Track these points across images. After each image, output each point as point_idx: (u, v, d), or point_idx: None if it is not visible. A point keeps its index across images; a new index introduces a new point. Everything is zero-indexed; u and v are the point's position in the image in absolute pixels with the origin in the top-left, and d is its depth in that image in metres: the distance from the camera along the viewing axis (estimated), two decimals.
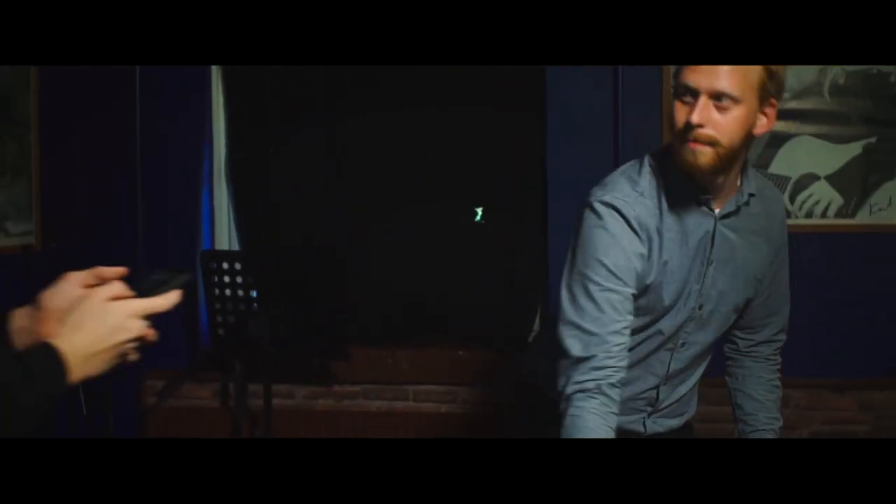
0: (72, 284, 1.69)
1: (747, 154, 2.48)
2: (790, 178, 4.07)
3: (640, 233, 2.43)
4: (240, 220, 4.77)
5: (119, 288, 1.64)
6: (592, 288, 2.40)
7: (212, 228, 4.72)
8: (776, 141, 4.03)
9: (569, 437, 2.34)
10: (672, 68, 2.59)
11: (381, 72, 4.31)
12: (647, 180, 2.47)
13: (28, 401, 1.51)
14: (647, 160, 2.51)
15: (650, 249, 2.45)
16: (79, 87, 4.28)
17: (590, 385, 2.36)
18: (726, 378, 2.78)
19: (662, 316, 2.52)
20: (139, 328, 1.62)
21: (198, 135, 4.66)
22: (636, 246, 2.43)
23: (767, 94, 2.36)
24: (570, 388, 2.37)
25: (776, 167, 4.06)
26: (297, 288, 3.95)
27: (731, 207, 2.49)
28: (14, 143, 3.94)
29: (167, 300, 1.66)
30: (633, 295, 2.43)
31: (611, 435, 2.35)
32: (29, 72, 4.01)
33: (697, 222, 2.48)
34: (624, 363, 2.40)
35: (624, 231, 2.42)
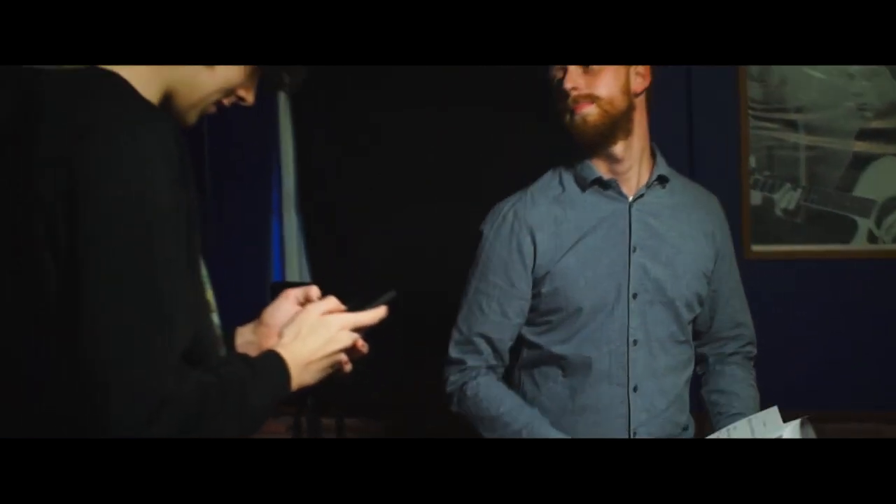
0: (290, 301, 1.90)
1: (649, 135, 2.60)
2: (875, 201, 3.90)
3: (519, 231, 2.58)
4: (310, 251, 4.69)
5: (333, 303, 1.81)
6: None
7: (282, 259, 4.65)
8: (859, 162, 3.87)
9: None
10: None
11: (451, 97, 4.23)
12: (548, 177, 2.65)
13: (257, 401, 1.63)
14: (561, 167, 2.65)
15: (540, 242, 2.56)
16: None
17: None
18: (700, 391, 2.76)
19: (588, 305, 2.54)
20: (349, 339, 1.78)
21: (266, 164, 4.61)
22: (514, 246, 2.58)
23: None
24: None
25: (860, 190, 3.89)
26: None
27: (642, 190, 2.58)
28: None
29: (375, 314, 1.82)
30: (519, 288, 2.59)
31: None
32: None
33: (610, 208, 2.57)
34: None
35: (499, 233, 2.60)
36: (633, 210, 2.58)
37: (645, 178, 2.60)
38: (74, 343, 1.48)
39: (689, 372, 2.68)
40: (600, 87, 2.48)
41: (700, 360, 2.76)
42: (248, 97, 1.80)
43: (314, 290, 1.90)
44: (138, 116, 1.54)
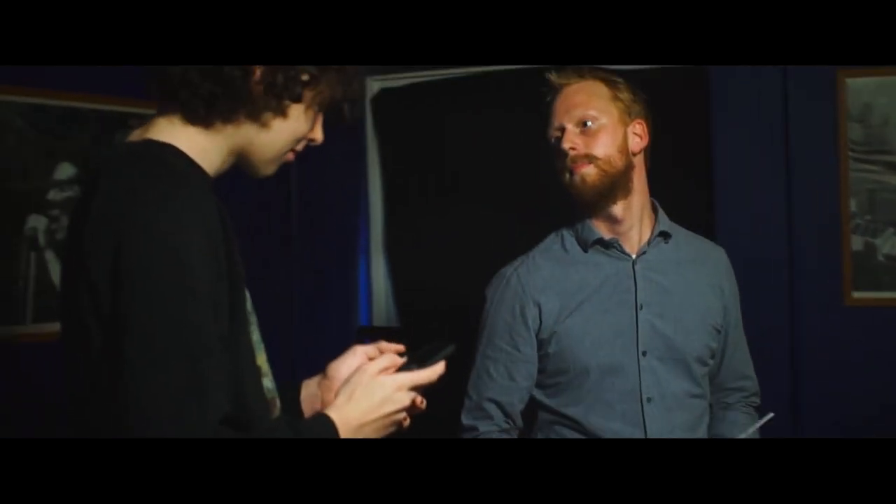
0: (357, 357, 1.88)
1: (649, 193, 2.63)
2: None
3: (522, 294, 2.59)
4: (398, 295, 4.66)
5: (389, 360, 1.78)
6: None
7: (369, 303, 4.63)
8: None
9: None
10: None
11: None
12: (549, 240, 2.68)
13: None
14: (563, 229, 2.68)
15: (544, 303, 2.56)
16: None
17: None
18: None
19: (595, 365, 2.53)
20: (407, 399, 1.74)
21: (353, 206, 4.59)
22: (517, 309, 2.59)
23: (629, 114, 2.58)
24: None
25: None
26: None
27: (645, 247, 2.60)
28: None
29: (433, 372, 1.78)
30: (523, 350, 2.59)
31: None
32: None
33: (613, 267, 2.59)
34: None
35: (503, 298, 2.62)
36: (636, 267, 2.60)
37: (647, 235, 2.62)
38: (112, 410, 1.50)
39: (704, 425, 2.66)
40: (598, 146, 2.53)
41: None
42: (317, 136, 1.82)
43: (386, 346, 1.89)
44: (172, 192, 1.56)
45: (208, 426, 1.51)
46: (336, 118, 1.83)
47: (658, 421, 2.54)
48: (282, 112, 1.71)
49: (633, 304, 2.57)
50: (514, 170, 4.20)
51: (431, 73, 4.45)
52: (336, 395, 1.75)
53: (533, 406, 2.65)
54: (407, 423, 1.77)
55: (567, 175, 2.55)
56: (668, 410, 2.55)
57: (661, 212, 2.66)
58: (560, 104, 2.59)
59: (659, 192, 2.70)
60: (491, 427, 2.62)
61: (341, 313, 4.49)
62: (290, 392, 1.91)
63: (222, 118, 1.68)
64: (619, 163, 2.53)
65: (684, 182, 4.08)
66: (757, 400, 2.80)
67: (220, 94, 1.65)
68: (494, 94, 4.25)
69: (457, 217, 4.41)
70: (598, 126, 2.54)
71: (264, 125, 1.71)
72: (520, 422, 2.65)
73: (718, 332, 2.66)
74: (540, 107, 2.64)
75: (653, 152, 2.65)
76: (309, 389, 1.93)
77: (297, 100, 1.71)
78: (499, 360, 2.62)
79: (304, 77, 1.70)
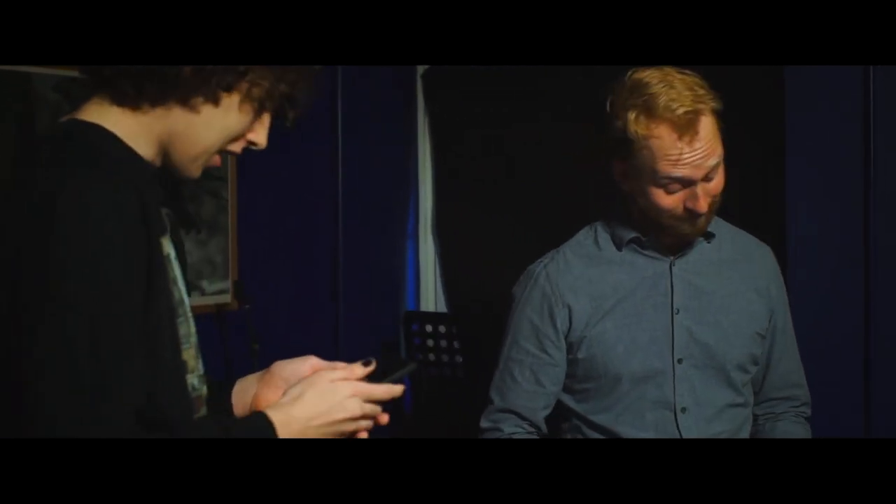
0: (307, 363, 1.80)
1: None
2: None
3: (551, 294, 2.44)
4: (446, 279, 4.56)
5: (348, 372, 1.72)
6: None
7: (416, 287, 4.55)
8: None
9: None
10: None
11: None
12: (581, 235, 2.52)
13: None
14: (597, 224, 2.52)
15: (575, 305, 2.43)
16: (276, 141, 4.10)
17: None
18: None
19: (628, 373, 2.40)
20: (359, 409, 1.69)
21: (403, 187, 4.51)
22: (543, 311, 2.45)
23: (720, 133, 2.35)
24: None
25: None
26: None
27: (685, 248, 2.45)
28: (210, 198, 3.81)
29: (390, 390, 1.73)
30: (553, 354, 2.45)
31: None
32: None
33: (650, 268, 2.44)
34: None
35: (530, 297, 2.47)
36: (674, 269, 2.45)
37: None
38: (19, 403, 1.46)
39: (746, 434, 2.53)
40: (718, 192, 2.34)
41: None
42: (259, 139, 1.75)
43: (341, 365, 1.80)
44: (94, 176, 1.51)
45: (119, 425, 1.46)
46: (283, 119, 1.78)
47: (693, 431, 2.41)
48: (213, 99, 1.64)
49: (669, 309, 2.43)
50: (568, 155, 4.06)
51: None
52: (284, 393, 1.70)
53: (559, 410, 2.52)
54: (363, 435, 1.73)
55: (676, 223, 2.35)
56: (705, 420, 2.42)
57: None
58: (686, 155, 2.27)
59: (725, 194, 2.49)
60: (514, 429, 2.49)
61: (388, 297, 4.41)
62: (221, 388, 1.86)
63: (151, 100, 1.63)
64: None
65: (755, 180, 3.92)
66: (808, 410, 2.62)
67: (149, 74, 1.60)
68: (550, 77, 4.10)
69: (509, 201, 4.31)
70: (718, 172, 2.33)
71: (194, 110, 1.64)
72: (545, 429, 2.53)
73: (763, 337, 2.51)
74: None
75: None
76: (243, 384, 1.86)
77: (227, 88, 1.65)
78: (524, 363, 2.48)
79: (240, 67, 1.65)
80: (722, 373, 2.44)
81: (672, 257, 2.44)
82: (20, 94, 3.21)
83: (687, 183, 2.29)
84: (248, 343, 3.51)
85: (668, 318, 2.42)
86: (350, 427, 1.70)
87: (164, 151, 1.67)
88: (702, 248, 2.46)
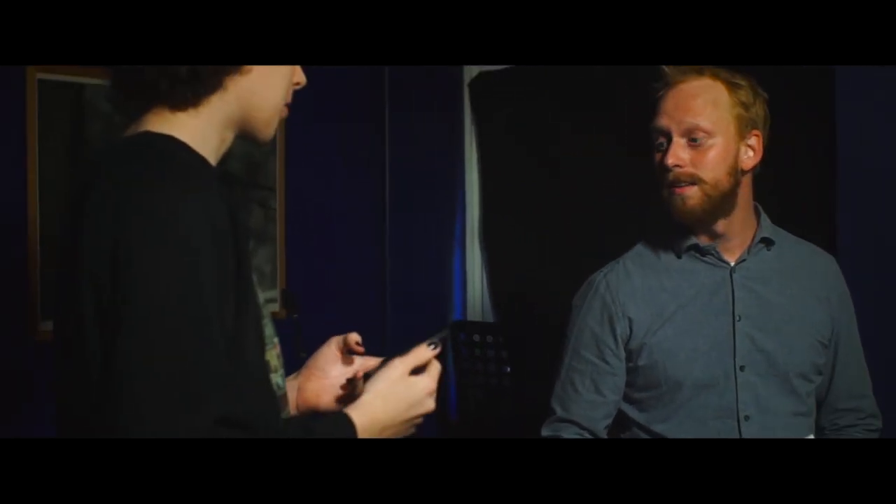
0: (332, 345, 1.91)
1: (753, 198, 2.44)
2: None
3: (611, 304, 2.44)
4: (493, 289, 4.53)
5: (414, 359, 1.71)
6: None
7: (463, 297, 4.53)
8: None
9: None
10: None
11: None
12: (640, 246, 2.50)
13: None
14: (655, 234, 2.50)
15: (635, 313, 2.41)
16: (325, 152, 4.14)
17: None
18: None
19: (689, 380, 2.37)
20: (433, 406, 1.71)
21: (450, 196, 4.49)
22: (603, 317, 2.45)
23: (746, 125, 2.35)
24: None
25: None
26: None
27: (745, 255, 2.43)
28: (258, 208, 3.84)
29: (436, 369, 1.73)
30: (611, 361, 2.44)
31: None
32: (275, 138, 3.86)
33: (710, 275, 2.42)
34: None
35: (591, 306, 2.46)
36: (735, 276, 2.42)
37: (747, 242, 2.44)
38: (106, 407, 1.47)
39: None
40: (706, 168, 2.31)
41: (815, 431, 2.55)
42: (302, 77, 1.75)
43: (354, 337, 1.90)
44: (176, 184, 1.52)
45: (206, 426, 1.47)
46: None
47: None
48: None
49: (730, 316, 2.40)
50: (618, 159, 4.04)
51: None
52: (366, 392, 1.69)
53: (619, 420, 2.50)
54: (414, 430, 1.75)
55: (666, 192, 2.35)
56: (768, 429, 2.38)
57: (763, 216, 2.46)
58: (670, 104, 2.35)
59: (776, 197, 2.51)
60: (574, 435, 2.47)
61: (435, 306, 4.41)
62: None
63: (208, 90, 1.64)
64: (725, 185, 2.34)
65: (803, 185, 3.88)
66: (875, 423, 2.56)
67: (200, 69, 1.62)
68: (599, 80, 4.08)
69: (555, 209, 4.28)
70: (710, 144, 2.32)
71: (248, 76, 1.65)
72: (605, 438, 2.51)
73: (825, 346, 2.47)
74: (648, 99, 2.42)
75: (771, 154, 2.43)
76: (291, 383, 1.90)
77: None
78: (584, 372, 2.45)
79: None
80: (785, 381, 2.40)
81: (732, 263, 2.42)
82: (72, 103, 3.24)
83: (667, 135, 2.33)
84: (296, 352, 3.52)
85: (729, 325, 2.39)
86: (421, 421, 1.72)
87: (238, 129, 1.69)
88: (763, 256, 2.44)
